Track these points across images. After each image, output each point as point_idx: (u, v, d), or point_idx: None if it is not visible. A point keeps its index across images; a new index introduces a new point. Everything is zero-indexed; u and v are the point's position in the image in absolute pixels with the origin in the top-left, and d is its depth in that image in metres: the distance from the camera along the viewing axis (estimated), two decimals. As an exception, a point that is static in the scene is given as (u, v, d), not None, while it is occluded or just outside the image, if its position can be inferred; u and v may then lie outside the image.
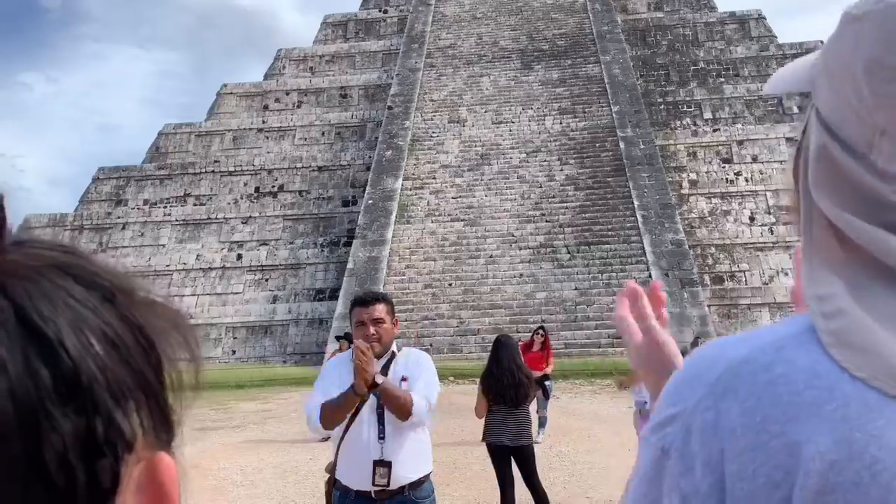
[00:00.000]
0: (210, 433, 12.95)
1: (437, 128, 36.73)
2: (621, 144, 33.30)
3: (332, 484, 3.69)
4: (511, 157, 34.29)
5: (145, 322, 0.42)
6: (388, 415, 3.46)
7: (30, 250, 0.40)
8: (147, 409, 0.40)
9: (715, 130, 34.85)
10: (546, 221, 30.83)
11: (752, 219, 31.34)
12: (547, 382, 11.83)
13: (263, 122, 39.77)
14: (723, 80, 38.17)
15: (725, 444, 0.64)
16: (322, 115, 39.60)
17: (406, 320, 27.47)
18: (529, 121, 36.27)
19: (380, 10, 46.46)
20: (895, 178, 0.66)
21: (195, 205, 36.11)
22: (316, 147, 38.25)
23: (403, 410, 3.41)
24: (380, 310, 3.62)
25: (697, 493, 0.65)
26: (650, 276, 27.43)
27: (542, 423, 11.22)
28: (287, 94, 41.40)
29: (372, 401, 3.50)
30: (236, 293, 32.45)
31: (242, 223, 35.06)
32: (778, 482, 0.61)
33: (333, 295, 30.42)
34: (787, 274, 29.21)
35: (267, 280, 32.87)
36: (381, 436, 3.46)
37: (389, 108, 37.63)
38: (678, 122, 36.09)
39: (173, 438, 0.42)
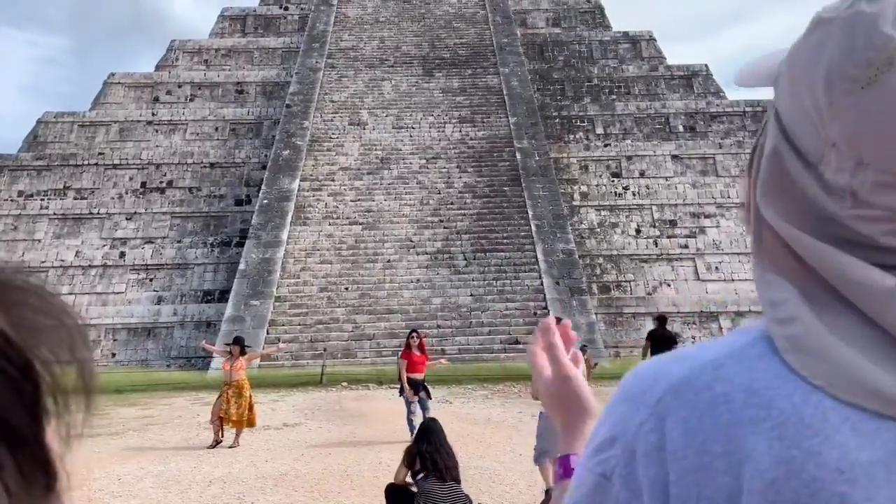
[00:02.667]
0: (85, 441, 12.20)
1: (336, 129, 36.34)
2: (518, 155, 34.06)
3: None
4: (411, 163, 34.39)
5: (18, 321, 0.32)
6: None
7: None
8: (15, 461, 0.31)
9: (606, 145, 36.24)
10: (444, 228, 31.09)
11: (638, 231, 32.77)
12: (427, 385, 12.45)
13: (153, 114, 38.07)
14: (615, 97, 39.77)
15: (670, 467, 0.63)
16: (216, 110, 38.33)
17: (300, 324, 26.98)
18: (430, 127, 36.50)
19: (280, 7, 45.52)
20: (840, 192, 0.64)
21: (76, 198, 34.08)
22: (209, 143, 36.98)
23: None
24: None
25: None
26: (542, 283, 28.17)
27: None
28: (180, 86, 39.82)
29: None
30: (118, 293, 30.85)
31: (126, 219, 33.39)
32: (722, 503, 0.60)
33: (223, 297, 29.45)
34: (669, 285, 30.72)
35: (151, 280, 31.43)
36: None
37: (288, 106, 36.91)
38: (572, 136, 37.28)
39: (56, 483, 0.32)
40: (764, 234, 0.71)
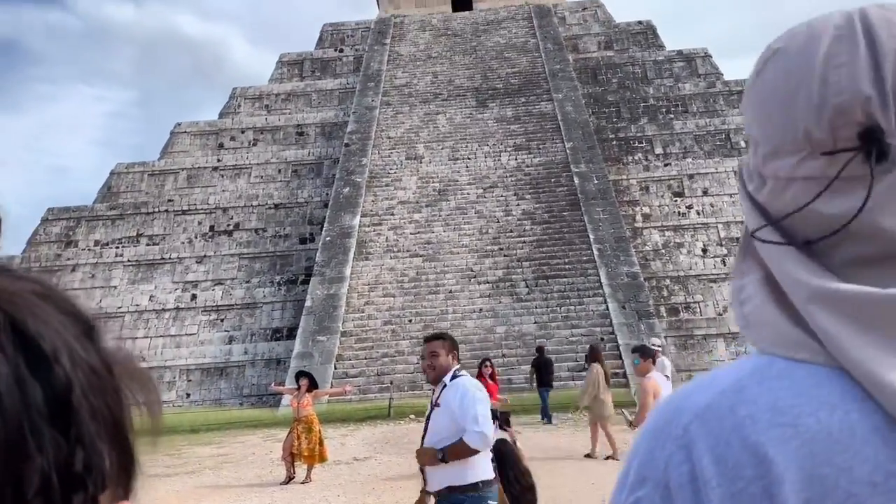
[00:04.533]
0: (163, 480, 12.52)
1: (394, 164, 36.88)
2: (576, 179, 33.83)
3: None
4: (468, 193, 34.55)
5: (115, 364, 0.40)
6: (430, 428, 4.40)
7: (10, 276, 0.37)
8: (116, 450, 0.38)
9: (666, 165, 35.66)
10: (504, 256, 31.01)
11: (704, 251, 31.99)
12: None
13: (218, 160, 39.42)
14: (672, 115, 39.22)
15: (705, 496, 0.63)
16: (278, 153, 39.45)
17: (366, 358, 27.19)
18: (485, 157, 36.67)
19: (335, 49, 46.79)
20: (754, 177, 0.75)
21: (148, 245, 35.42)
22: (272, 184, 38.01)
23: (469, 453, 4.26)
24: (436, 345, 4.56)
25: None
26: (607, 308, 27.71)
27: None
28: (243, 132, 41.19)
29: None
30: (191, 334, 31.74)
31: (197, 263, 34.46)
32: None
33: (291, 334, 29.97)
34: (740, 304, 29.77)
35: (222, 320, 32.25)
36: (422, 444, 4.45)
37: (346, 145, 37.70)
38: (630, 157, 36.86)
39: (133, 490, 0.40)
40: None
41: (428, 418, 4.52)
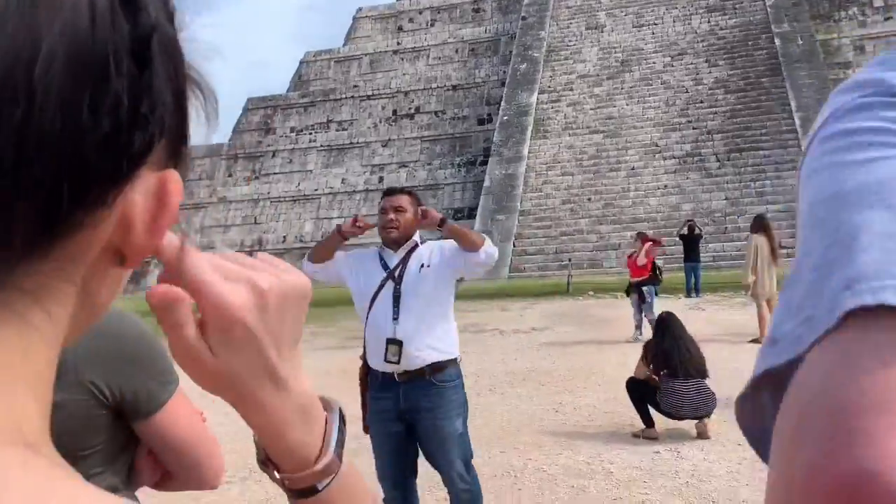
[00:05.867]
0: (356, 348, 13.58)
1: (573, 36, 35.27)
2: (777, 41, 30.53)
3: (367, 369, 3.78)
4: (654, 62, 32.44)
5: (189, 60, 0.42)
6: (403, 298, 3.63)
7: None
8: (176, 118, 0.40)
9: (887, 19, 31.09)
10: (693, 129, 29.15)
11: (932, 115, 28.05)
12: (645, 288, 12.60)
13: (398, 43, 39.89)
14: (900, -41, 33.72)
15: None
16: (455, 32, 39.11)
17: (544, 236, 27.28)
18: (674, 21, 33.97)
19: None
20: None
21: (337, 130, 37.24)
22: (450, 66, 38.00)
23: (475, 241, 3.63)
24: (402, 200, 3.78)
25: None
26: (809, 182, 25.44)
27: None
28: (420, 13, 41.12)
29: (389, 285, 3.69)
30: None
31: (382, 146, 35.81)
32: None
33: (471, 214, 30.65)
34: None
35: (408, 201, 33.62)
36: (395, 316, 3.61)
37: (523, 18, 36.48)
38: (843, 13, 32.49)
39: (183, 158, 0.42)
40: None
41: (395, 293, 3.64)
